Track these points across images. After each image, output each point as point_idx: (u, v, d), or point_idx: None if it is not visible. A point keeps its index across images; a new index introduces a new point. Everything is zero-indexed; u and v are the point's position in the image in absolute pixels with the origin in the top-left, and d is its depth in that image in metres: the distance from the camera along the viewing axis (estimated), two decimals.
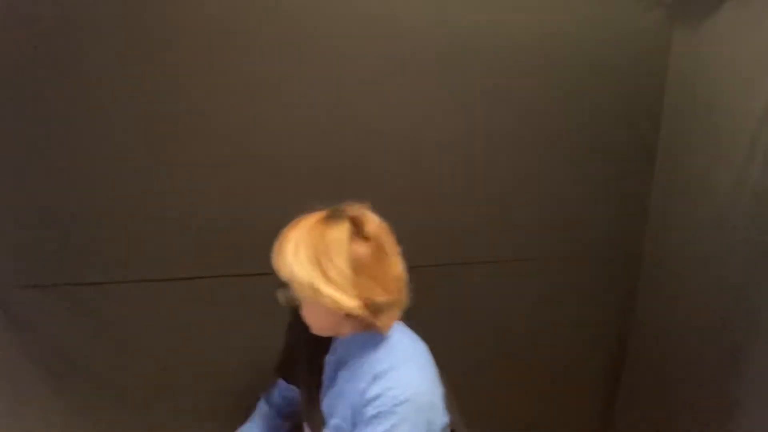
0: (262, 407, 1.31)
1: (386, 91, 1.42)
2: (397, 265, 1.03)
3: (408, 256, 1.50)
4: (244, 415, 1.50)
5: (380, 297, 0.98)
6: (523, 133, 1.55)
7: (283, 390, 1.27)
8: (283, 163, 1.39)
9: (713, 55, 1.48)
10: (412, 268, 1.55)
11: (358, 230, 1.00)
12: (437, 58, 1.43)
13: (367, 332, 1.03)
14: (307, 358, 1.15)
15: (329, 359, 1.11)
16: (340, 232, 0.98)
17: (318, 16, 1.32)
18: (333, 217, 1.01)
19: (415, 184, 1.49)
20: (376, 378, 0.96)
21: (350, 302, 0.96)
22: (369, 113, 1.42)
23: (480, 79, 1.47)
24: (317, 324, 1.05)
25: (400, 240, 1.51)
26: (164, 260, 1.36)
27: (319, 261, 0.96)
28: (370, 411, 0.94)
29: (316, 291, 0.95)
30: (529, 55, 1.49)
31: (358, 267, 0.97)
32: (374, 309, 0.98)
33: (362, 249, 0.98)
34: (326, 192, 1.41)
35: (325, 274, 0.95)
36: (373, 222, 1.02)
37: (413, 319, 1.45)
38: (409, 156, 1.47)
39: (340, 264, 0.96)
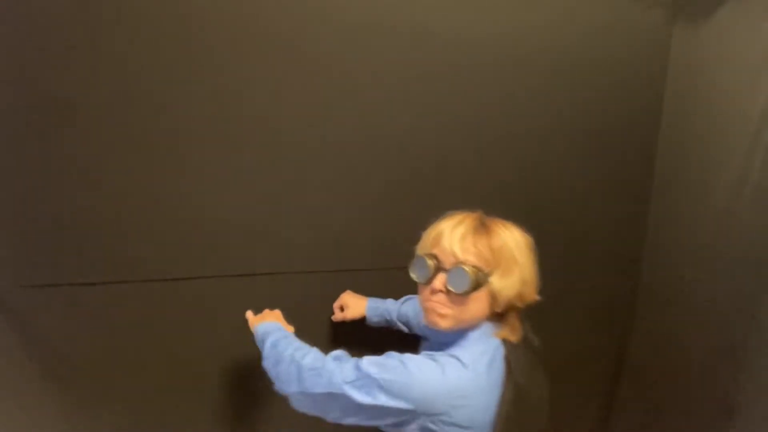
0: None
1: (387, 93, 1.42)
2: None
3: (407, 257, 1.51)
4: (245, 415, 1.50)
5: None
6: (522, 134, 1.55)
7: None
8: (283, 163, 1.39)
9: (713, 55, 1.48)
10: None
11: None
12: (436, 64, 1.43)
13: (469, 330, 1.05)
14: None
15: (424, 345, 1.18)
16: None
17: (325, 22, 1.33)
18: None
19: (413, 186, 1.49)
20: None
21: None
22: (369, 115, 1.42)
23: (479, 80, 1.47)
24: (460, 313, 1.03)
25: (400, 241, 1.52)
26: (164, 260, 1.36)
27: (529, 257, 1.05)
28: None
29: (512, 283, 1.02)
30: (528, 56, 1.49)
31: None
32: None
33: None
34: (329, 192, 1.43)
35: (523, 271, 1.03)
36: None
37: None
38: (408, 159, 1.47)
39: (531, 264, 1.05)
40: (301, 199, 1.42)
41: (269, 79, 1.33)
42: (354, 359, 1.00)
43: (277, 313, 1.26)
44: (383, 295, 1.48)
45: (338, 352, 1.04)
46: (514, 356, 1.03)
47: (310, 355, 1.04)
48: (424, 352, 1.01)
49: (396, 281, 1.49)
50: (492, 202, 1.56)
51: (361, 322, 1.46)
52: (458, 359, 0.96)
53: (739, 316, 1.35)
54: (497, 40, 1.46)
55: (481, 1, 1.43)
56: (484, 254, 1.00)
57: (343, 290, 1.49)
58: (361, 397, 0.93)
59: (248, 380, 1.46)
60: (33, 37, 1.17)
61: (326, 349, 1.08)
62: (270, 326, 1.18)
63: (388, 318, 1.42)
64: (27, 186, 1.24)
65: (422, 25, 1.39)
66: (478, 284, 0.99)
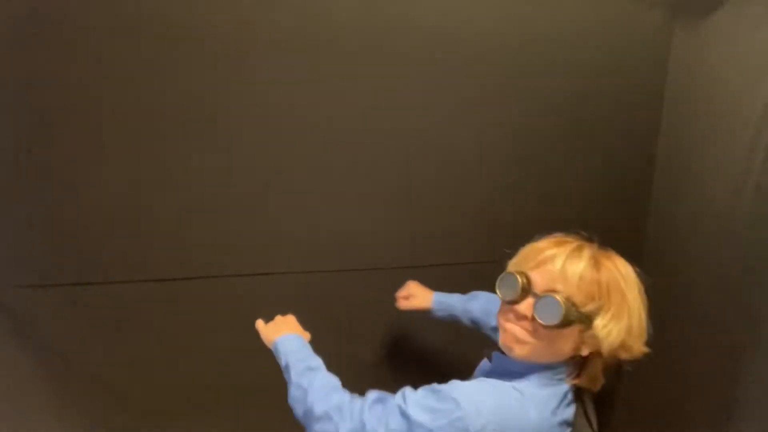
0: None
1: (389, 93, 1.42)
2: None
3: (407, 256, 1.51)
4: (245, 415, 1.50)
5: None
6: (522, 134, 1.55)
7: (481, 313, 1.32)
8: (282, 163, 1.39)
9: (713, 55, 1.47)
10: (412, 268, 1.55)
11: None
12: (437, 60, 1.43)
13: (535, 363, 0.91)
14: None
15: (485, 366, 1.05)
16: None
17: (325, 20, 1.33)
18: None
19: (413, 185, 1.49)
20: None
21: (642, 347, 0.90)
22: (370, 116, 1.42)
23: (480, 80, 1.47)
24: (541, 347, 0.89)
25: (400, 241, 1.52)
26: (165, 260, 1.36)
27: (641, 301, 0.91)
28: None
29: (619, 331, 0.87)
30: (528, 56, 1.49)
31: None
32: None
33: None
34: (327, 192, 1.43)
35: (632, 317, 0.89)
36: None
37: (412, 319, 1.45)
38: (407, 157, 1.47)
39: (642, 310, 0.90)
40: (301, 199, 1.42)
41: (269, 77, 1.33)
42: (396, 404, 0.87)
43: (291, 319, 1.17)
44: (385, 295, 1.48)
45: (375, 395, 0.91)
46: (591, 409, 0.93)
47: (340, 412, 0.90)
48: (481, 378, 0.91)
49: (396, 281, 1.49)
50: (492, 201, 1.57)
51: (365, 320, 1.46)
52: (521, 394, 0.86)
53: (739, 315, 1.35)
54: (497, 39, 1.46)
55: (480, 1, 1.43)
56: (587, 289, 0.86)
57: (344, 290, 1.49)
58: None
59: (249, 379, 1.46)
60: (35, 37, 1.17)
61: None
62: (290, 345, 1.06)
63: (453, 314, 1.38)
64: (27, 186, 1.24)
65: (425, 23, 1.39)
66: (569, 321, 0.85)
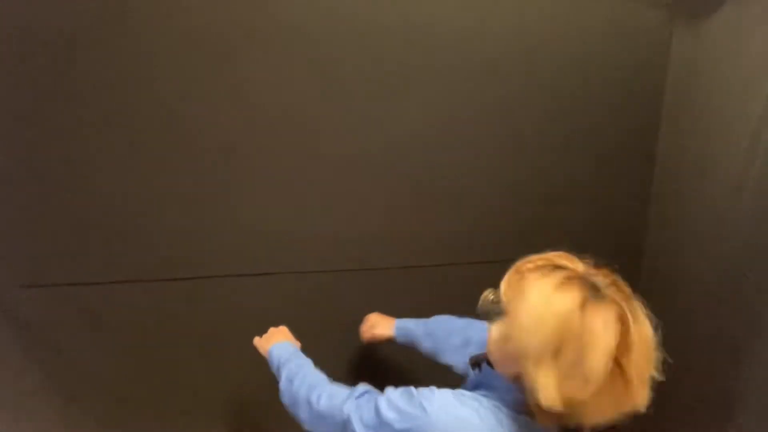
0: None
1: (387, 93, 1.42)
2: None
3: (407, 256, 1.50)
4: (246, 415, 1.50)
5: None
6: (523, 133, 1.55)
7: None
8: (280, 163, 1.39)
9: (713, 55, 1.47)
10: (411, 268, 1.55)
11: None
12: (436, 62, 1.43)
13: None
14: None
15: (472, 377, 1.04)
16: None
17: (324, 22, 1.33)
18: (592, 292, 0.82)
19: (413, 185, 1.49)
20: None
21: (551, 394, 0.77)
22: (369, 115, 1.42)
23: (478, 81, 1.47)
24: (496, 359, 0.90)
25: (400, 240, 1.52)
26: (164, 260, 1.36)
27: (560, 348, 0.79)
28: None
29: (531, 360, 0.78)
30: (529, 56, 1.49)
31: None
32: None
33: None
34: (327, 192, 1.44)
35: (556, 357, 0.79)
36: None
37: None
38: (406, 157, 1.47)
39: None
40: (300, 199, 1.42)
41: (272, 76, 1.33)
42: (375, 399, 0.89)
43: (282, 329, 1.23)
44: (387, 295, 1.48)
45: (362, 389, 0.95)
46: None
47: (324, 397, 0.97)
48: (460, 390, 0.89)
49: (396, 281, 1.49)
50: (492, 201, 1.57)
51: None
52: (483, 411, 0.84)
53: (739, 314, 1.35)
54: (497, 40, 1.46)
55: (480, 1, 1.43)
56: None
57: (344, 290, 1.49)
58: None
59: (249, 379, 1.46)
60: (37, 38, 1.18)
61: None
62: (282, 350, 1.14)
63: (413, 340, 1.31)
64: (27, 186, 1.25)
65: (422, 24, 1.39)
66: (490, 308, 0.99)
